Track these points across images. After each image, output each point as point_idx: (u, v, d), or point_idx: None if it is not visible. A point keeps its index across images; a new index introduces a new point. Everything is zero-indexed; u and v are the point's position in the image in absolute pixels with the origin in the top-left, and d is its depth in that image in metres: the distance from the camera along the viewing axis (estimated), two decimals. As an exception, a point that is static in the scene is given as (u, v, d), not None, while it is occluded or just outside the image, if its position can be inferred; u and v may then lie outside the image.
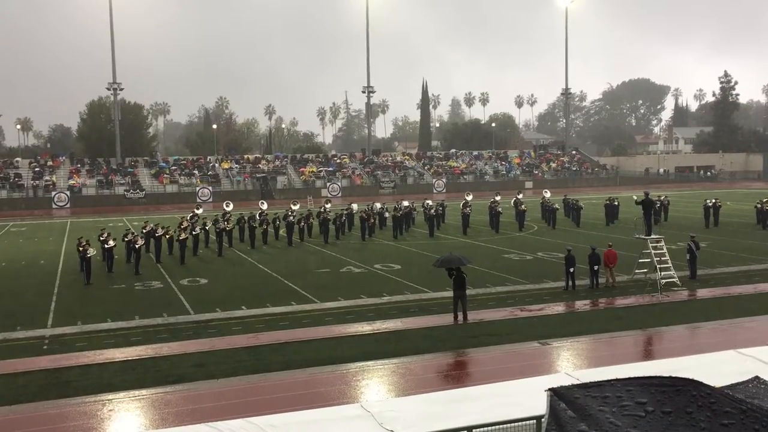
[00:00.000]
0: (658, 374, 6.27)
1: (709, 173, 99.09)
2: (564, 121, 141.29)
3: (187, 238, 32.97)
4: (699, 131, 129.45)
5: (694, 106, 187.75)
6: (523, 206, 43.02)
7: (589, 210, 47.31)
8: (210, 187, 77.78)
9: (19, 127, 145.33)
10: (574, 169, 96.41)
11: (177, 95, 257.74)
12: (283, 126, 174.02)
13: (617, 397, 5.73)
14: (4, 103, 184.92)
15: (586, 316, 20.82)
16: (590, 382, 6.06)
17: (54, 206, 71.04)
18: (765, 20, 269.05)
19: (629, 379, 6.01)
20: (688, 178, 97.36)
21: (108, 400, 14.20)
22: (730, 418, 5.46)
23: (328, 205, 44.35)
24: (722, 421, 5.43)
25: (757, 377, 6.75)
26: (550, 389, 5.90)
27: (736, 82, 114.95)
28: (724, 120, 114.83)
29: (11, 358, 17.21)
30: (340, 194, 78.03)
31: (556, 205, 43.88)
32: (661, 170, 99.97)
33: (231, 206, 47.35)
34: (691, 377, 6.64)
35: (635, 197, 25.96)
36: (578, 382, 6.10)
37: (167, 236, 33.05)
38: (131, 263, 30.11)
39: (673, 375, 7.30)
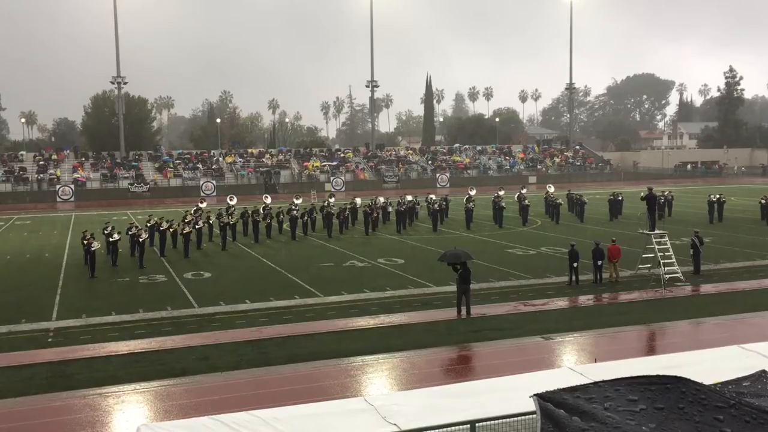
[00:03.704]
0: (647, 373, 6.33)
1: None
2: (568, 116, 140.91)
3: (191, 231, 33.02)
4: (704, 126, 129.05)
5: (698, 101, 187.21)
6: (526, 201, 42.97)
7: (593, 205, 47.24)
8: (214, 181, 77.86)
9: (23, 120, 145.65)
10: (578, 164, 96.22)
11: (181, 89, 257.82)
12: (287, 120, 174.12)
13: (605, 397, 5.81)
14: (8, 96, 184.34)
15: (590, 311, 20.82)
16: (576, 386, 6.10)
17: (58, 200, 71.17)
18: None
19: (617, 379, 6.07)
20: (695, 173, 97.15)
21: (112, 392, 14.26)
22: (721, 412, 5.58)
23: (332, 200, 44.39)
24: (715, 415, 5.55)
25: (763, 371, 6.78)
26: (535, 395, 5.93)
27: (741, 77, 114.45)
28: (728, 115, 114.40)
29: (16, 351, 17.29)
30: (343, 188, 77.99)
31: (560, 200, 43.83)
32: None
33: (235, 200, 47.45)
34: (692, 372, 6.67)
35: (642, 194, 25.92)
36: (566, 386, 6.12)
37: (171, 230, 33.09)
38: (135, 257, 30.20)
39: (676, 370, 7.33)
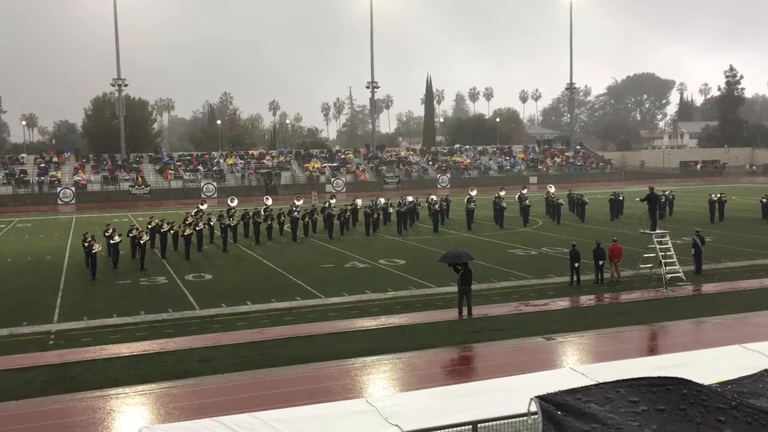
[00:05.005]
0: (649, 373, 6.32)
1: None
2: (568, 116, 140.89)
3: (191, 233, 33.02)
4: (704, 126, 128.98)
5: (699, 100, 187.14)
6: (527, 201, 42.96)
7: (594, 205, 47.24)
8: (214, 183, 77.88)
9: (24, 123, 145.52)
10: (579, 164, 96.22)
11: (181, 91, 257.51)
12: (288, 121, 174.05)
13: (606, 399, 5.81)
14: (9, 99, 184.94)
15: (591, 311, 20.81)
16: (577, 387, 6.09)
17: (59, 202, 71.23)
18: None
19: (617, 381, 6.07)
20: (694, 173, 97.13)
21: (114, 394, 14.26)
22: (723, 413, 5.59)
23: (333, 201, 44.40)
24: (716, 416, 5.56)
25: (766, 370, 6.77)
26: (537, 396, 5.92)
27: (741, 77, 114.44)
28: (729, 114, 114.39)
29: (18, 353, 17.30)
30: (344, 189, 78.01)
31: (561, 200, 43.82)
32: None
33: (235, 202, 47.48)
34: (693, 372, 6.66)
35: (638, 198, 25.95)
36: (567, 388, 6.12)
37: (172, 232, 33.10)
38: (136, 259, 30.20)
39: (677, 369, 7.31)
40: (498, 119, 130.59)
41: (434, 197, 45.69)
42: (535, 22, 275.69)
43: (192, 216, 36.34)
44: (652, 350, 17.11)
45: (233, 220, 37.10)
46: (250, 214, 38.61)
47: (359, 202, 44.40)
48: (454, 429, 7.07)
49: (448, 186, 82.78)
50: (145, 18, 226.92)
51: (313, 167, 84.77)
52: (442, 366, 16.09)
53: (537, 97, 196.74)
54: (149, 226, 34.16)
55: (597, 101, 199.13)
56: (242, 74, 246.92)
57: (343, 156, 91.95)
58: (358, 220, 41.66)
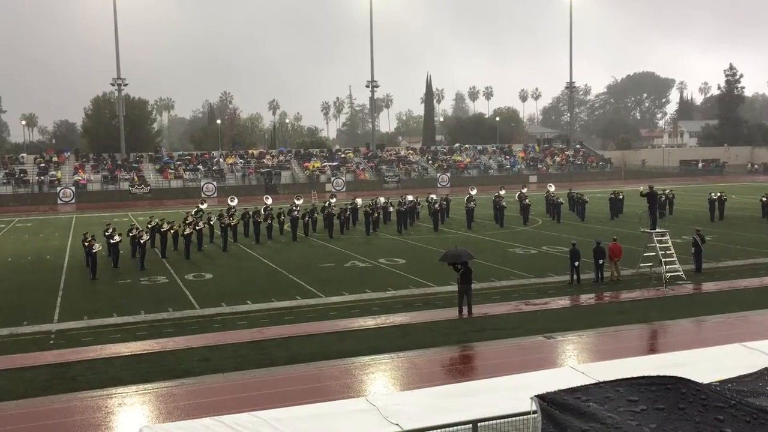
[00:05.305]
0: (649, 371, 6.33)
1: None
2: (568, 115, 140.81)
3: (191, 233, 33.02)
4: (704, 124, 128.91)
5: (699, 99, 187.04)
6: (527, 200, 42.95)
7: (594, 204, 47.23)
8: (215, 182, 77.86)
9: (24, 122, 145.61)
10: (579, 163, 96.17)
11: (181, 90, 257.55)
12: (287, 121, 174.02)
13: (605, 398, 5.82)
14: (8, 99, 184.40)
15: (591, 310, 20.81)
16: (577, 386, 6.10)
17: (59, 202, 71.18)
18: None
19: (617, 380, 6.08)
20: (695, 171, 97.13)
21: (114, 394, 14.27)
22: (722, 412, 5.60)
23: (333, 200, 44.39)
24: (715, 415, 5.57)
25: (767, 369, 6.77)
26: (536, 395, 5.94)
27: (741, 75, 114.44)
28: (729, 113, 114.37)
29: (18, 353, 17.30)
30: (344, 189, 77.95)
31: (561, 199, 43.82)
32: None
33: (236, 201, 47.46)
34: (694, 371, 6.67)
35: (641, 189, 25.97)
36: (566, 387, 6.13)
37: (172, 231, 33.09)
38: (136, 258, 30.20)
39: (678, 368, 7.32)
40: (498, 118, 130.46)
41: (434, 196, 45.71)
42: (535, 22, 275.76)
43: (192, 215, 36.35)
44: (652, 349, 17.12)
45: (233, 219, 37.11)
46: (250, 213, 38.60)
47: (359, 201, 44.40)
48: (455, 428, 7.07)
49: (448, 185, 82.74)
50: (145, 18, 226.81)
51: (313, 166, 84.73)
52: (442, 365, 16.09)
53: (537, 96, 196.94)
54: (149, 226, 34.16)
55: (597, 100, 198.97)
56: (242, 74, 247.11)
57: (343, 155, 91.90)
58: (358, 220, 41.67)
